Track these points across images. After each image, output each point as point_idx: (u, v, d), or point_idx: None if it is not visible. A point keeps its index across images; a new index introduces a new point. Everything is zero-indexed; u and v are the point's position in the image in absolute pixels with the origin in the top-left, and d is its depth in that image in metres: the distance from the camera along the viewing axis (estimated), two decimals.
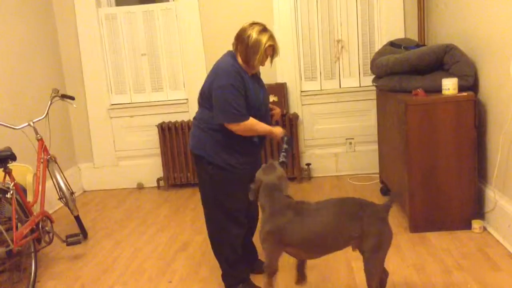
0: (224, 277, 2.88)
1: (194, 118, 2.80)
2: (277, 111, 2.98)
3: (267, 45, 2.57)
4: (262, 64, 2.66)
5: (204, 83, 2.69)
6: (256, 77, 2.76)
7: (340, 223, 2.30)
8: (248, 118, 2.61)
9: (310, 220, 2.32)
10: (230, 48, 2.73)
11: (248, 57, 2.60)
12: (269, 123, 2.81)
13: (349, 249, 2.44)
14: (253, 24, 2.61)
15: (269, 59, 2.69)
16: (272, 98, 4.67)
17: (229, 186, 2.72)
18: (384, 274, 2.51)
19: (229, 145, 2.68)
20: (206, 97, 2.66)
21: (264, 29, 2.60)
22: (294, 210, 2.36)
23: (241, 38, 2.60)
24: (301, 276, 2.61)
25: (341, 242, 2.33)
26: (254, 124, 2.64)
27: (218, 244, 2.84)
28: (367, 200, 2.37)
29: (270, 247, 2.38)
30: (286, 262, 3.12)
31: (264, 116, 2.75)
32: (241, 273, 2.85)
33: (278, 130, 2.75)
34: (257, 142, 2.76)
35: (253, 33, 2.56)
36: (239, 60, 2.65)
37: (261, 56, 2.59)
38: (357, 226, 2.28)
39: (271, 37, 2.60)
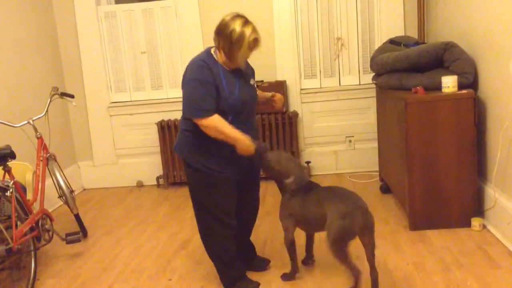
0: (221, 277, 2.87)
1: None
2: (278, 97, 2.90)
3: (251, 38, 2.47)
4: (246, 59, 2.58)
5: None
6: (240, 72, 2.65)
7: (314, 209, 2.61)
8: (211, 115, 2.49)
9: (306, 202, 2.65)
10: None
11: (232, 52, 2.51)
12: (252, 124, 2.72)
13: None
14: (235, 17, 2.51)
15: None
16: None
17: (209, 188, 2.66)
18: (374, 273, 2.59)
19: (203, 147, 2.61)
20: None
21: (246, 22, 2.50)
22: (304, 192, 2.67)
23: (223, 33, 2.50)
24: (308, 256, 3.04)
25: (317, 224, 2.63)
26: (219, 124, 2.49)
27: (209, 245, 2.81)
28: (347, 192, 2.59)
29: (288, 224, 2.76)
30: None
31: (243, 114, 2.64)
32: (237, 272, 2.83)
33: (244, 143, 2.52)
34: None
35: (236, 27, 2.46)
36: (220, 55, 2.57)
37: (245, 50, 2.49)
38: (322, 213, 2.57)
39: (254, 30, 2.51)
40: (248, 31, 2.47)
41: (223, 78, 2.56)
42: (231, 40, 2.47)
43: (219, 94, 2.53)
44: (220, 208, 2.70)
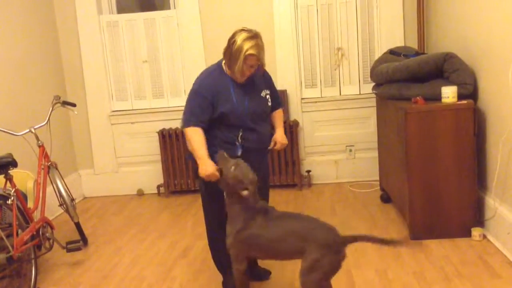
0: (224, 284, 2.88)
1: None
2: (277, 146, 2.80)
3: (247, 53, 2.46)
4: (244, 73, 2.55)
5: None
6: (250, 85, 2.68)
7: (289, 238, 2.36)
8: (188, 126, 2.54)
9: (272, 227, 2.41)
10: None
11: (230, 64, 2.54)
12: (265, 135, 2.74)
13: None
14: (243, 30, 2.52)
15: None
16: None
17: (222, 194, 2.67)
18: None
19: (216, 152, 2.63)
20: None
21: (251, 37, 2.49)
22: (264, 215, 2.45)
23: (228, 43, 2.55)
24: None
25: (288, 254, 2.41)
26: (191, 137, 2.54)
27: (216, 251, 2.85)
28: (326, 223, 2.39)
29: (238, 249, 2.48)
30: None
31: (253, 124, 2.67)
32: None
33: (206, 168, 2.46)
34: (238, 147, 2.65)
35: (238, 39, 2.48)
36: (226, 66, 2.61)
37: (241, 64, 2.49)
38: (302, 245, 2.32)
39: (255, 46, 2.48)
40: (247, 45, 2.46)
41: (232, 90, 2.60)
42: (231, 51, 2.52)
43: (226, 105, 2.57)
44: None
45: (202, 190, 2.79)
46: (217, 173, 2.48)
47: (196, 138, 2.55)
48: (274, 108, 2.87)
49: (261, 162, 2.82)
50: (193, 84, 2.66)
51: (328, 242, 2.29)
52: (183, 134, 4.84)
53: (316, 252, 2.28)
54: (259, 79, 2.75)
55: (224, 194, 2.52)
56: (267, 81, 2.82)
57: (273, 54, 4.81)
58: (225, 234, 2.73)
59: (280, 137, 2.83)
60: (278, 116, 2.91)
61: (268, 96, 2.79)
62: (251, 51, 2.47)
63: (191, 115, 2.58)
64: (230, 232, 2.49)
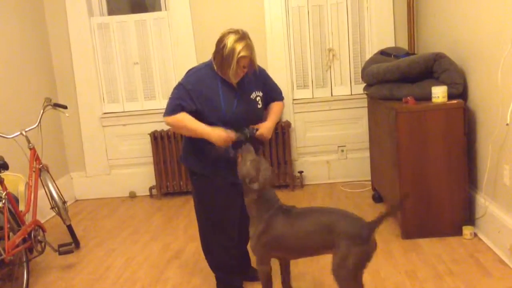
0: (218, 285, 2.89)
1: None
2: (259, 132, 2.61)
3: (239, 55, 2.43)
4: (238, 75, 2.52)
5: None
6: (241, 86, 2.61)
7: (316, 232, 2.33)
8: (173, 114, 2.50)
9: (296, 224, 2.37)
10: None
11: (223, 68, 2.50)
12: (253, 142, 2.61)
13: None
14: (230, 32, 2.48)
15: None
16: None
17: (213, 195, 2.68)
18: None
19: (203, 150, 2.61)
20: None
21: (240, 38, 2.45)
22: (285, 213, 2.41)
23: (216, 47, 2.51)
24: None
25: (316, 249, 2.39)
26: (182, 121, 2.49)
27: (209, 252, 2.85)
28: (351, 214, 2.37)
29: (263, 250, 2.45)
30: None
31: (240, 126, 2.58)
32: (235, 281, 2.86)
33: (217, 134, 2.47)
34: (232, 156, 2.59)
35: (228, 43, 2.44)
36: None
37: (234, 67, 2.45)
38: (330, 238, 2.29)
39: (246, 47, 2.44)
40: (238, 47, 2.43)
41: (221, 92, 2.56)
42: (222, 55, 2.48)
43: (211, 105, 2.54)
44: (223, 216, 2.70)
45: (194, 191, 2.79)
46: (232, 134, 2.48)
47: (187, 118, 2.51)
48: (271, 100, 2.79)
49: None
50: (182, 78, 2.66)
51: (354, 233, 2.25)
52: (175, 136, 4.83)
53: (345, 244, 2.24)
54: (249, 80, 2.65)
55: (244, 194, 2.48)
56: (260, 80, 2.71)
57: (265, 55, 4.82)
58: (218, 236, 2.74)
59: (265, 128, 2.64)
60: (272, 108, 2.77)
61: (258, 98, 2.68)
62: (243, 53, 2.44)
63: (175, 105, 2.53)
64: (252, 234, 2.45)
